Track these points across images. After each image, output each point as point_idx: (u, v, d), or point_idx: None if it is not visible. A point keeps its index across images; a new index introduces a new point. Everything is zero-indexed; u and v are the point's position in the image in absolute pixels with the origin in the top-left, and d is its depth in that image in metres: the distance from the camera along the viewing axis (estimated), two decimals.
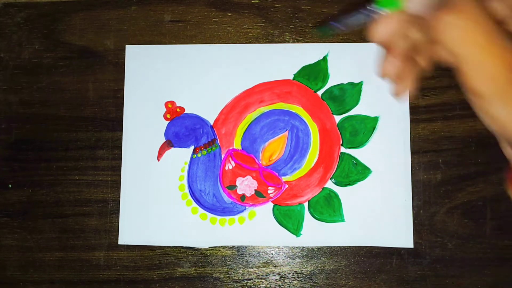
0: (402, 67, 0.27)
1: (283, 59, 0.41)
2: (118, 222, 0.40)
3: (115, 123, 0.41)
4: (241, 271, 0.40)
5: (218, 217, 0.40)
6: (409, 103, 0.40)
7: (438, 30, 0.24)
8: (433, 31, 0.24)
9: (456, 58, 0.24)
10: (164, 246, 0.40)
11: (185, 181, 0.40)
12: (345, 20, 0.28)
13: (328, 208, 0.40)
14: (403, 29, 0.26)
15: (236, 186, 0.40)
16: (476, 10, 0.23)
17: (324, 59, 0.41)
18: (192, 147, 0.41)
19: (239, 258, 0.40)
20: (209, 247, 0.40)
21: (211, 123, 0.41)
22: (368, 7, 0.26)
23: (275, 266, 0.40)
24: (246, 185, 0.40)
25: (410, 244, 0.39)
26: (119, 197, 0.41)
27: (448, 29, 0.23)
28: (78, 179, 0.41)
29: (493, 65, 0.23)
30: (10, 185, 0.41)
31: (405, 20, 0.26)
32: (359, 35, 0.41)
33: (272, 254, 0.40)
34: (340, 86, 0.41)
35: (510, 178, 0.28)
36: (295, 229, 0.40)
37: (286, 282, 0.40)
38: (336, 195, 0.40)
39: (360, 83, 0.41)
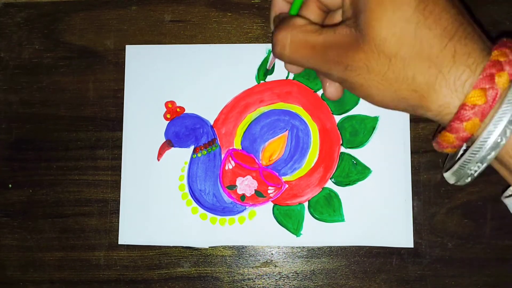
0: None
1: None
2: (118, 222, 0.40)
3: (115, 123, 0.41)
4: (241, 271, 0.40)
5: (218, 217, 0.40)
6: None
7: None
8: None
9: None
10: (164, 246, 0.40)
11: (185, 181, 0.41)
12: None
13: (328, 208, 0.40)
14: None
15: (236, 186, 0.40)
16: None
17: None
18: (192, 147, 0.41)
19: (239, 258, 0.40)
20: (209, 247, 0.40)
21: (211, 123, 0.41)
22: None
23: (275, 266, 0.40)
24: (246, 185, 0.40)
25: (410, 244, 0.39)
26: (119, 197, 0.41)
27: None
28: (78, 179, 0.41)
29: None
30: (10, 185, 0.41)
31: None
32: None
33: (272, 254, 0.40)
34: None
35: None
36: (295, 229, 0.40)
37: (286, 282, 0.40)
38: (336, 195, 0.40)
39: None
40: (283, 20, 0.32)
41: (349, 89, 0.30)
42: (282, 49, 0.31)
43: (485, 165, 0.26)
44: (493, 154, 0.25)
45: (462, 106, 0.25)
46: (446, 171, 0.29)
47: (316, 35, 0.29)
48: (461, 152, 0.29)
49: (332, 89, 0.35)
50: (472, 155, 0.25)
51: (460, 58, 0.25)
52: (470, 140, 0.26)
